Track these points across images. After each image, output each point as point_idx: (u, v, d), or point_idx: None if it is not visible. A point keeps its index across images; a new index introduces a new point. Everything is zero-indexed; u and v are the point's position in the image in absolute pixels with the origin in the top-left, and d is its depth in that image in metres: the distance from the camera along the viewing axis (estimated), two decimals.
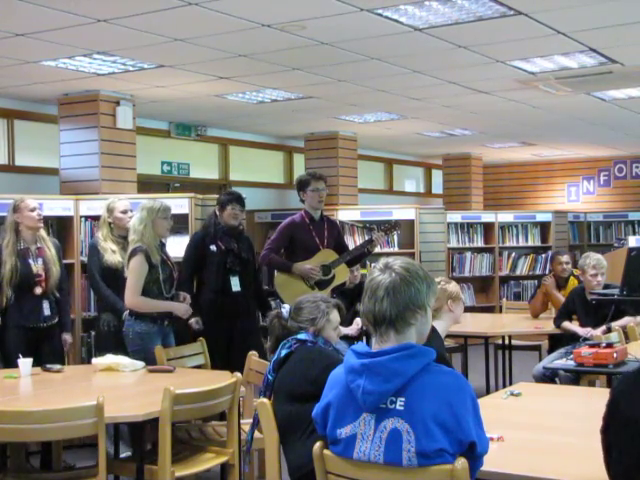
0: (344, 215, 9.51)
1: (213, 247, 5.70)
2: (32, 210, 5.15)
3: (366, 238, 7.08)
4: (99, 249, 5.52)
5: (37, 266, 5.14)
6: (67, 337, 5.45)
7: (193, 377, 4.45)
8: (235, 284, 5.71)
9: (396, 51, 5.87)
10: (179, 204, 6.20)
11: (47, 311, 5.20)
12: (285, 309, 3.46)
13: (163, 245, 5.28)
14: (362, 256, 6.45)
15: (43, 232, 5.29)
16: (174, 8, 4.67)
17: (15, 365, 4.53)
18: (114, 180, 7.03)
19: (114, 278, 5.39)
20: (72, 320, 5.81)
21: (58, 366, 4.63)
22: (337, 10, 4.77)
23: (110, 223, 5.60)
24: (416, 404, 2.23)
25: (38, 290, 5.14)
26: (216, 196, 6.19)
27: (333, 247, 6.32)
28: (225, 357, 5.51)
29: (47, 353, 5.14)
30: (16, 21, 4.92)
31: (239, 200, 5.80)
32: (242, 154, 10.21)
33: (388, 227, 6.63)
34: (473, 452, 2.25)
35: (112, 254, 5.46)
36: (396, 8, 4.79)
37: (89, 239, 6.29)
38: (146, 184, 8.35)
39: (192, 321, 5.59)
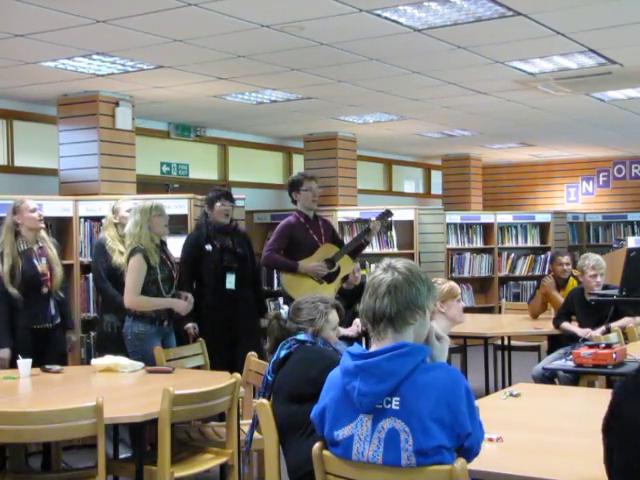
0: (343, 216, 9.50)
1: (208, 247, 5.67)
2: (32, 211, 5.14)
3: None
4: (107, 249, 5.51)
5: (42, 265, 5.14)
6: (72, 335, 5.45)
7: (192, 378, 4.45)
8: (230, 281, 5.66)
9: (395, 52, 5.88)
10: (178, 205, 6.19)
11: (53, 310, 5.21)
12: (284, 310, 3.47)
13: (164, 244, 5.28)
14: (361, 247, 6.46)
15: (44, 232, 5.28)
16: (173, 9, 4.67)
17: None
18: (113, 181, 7.02)
19: (120, 279, 5.33)
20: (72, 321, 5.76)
21: (57, 367, 4.62)
22: (336, 11, 4.77)
23: (116, 224, 5.61)
24: (411, 403, 2.24)
25: (44, 290, 5.14)
26: None
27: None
28: (229, 358, 5.47)
29: (51, 353, 5.12)
30: (15, 22, 4.92)
31: (227, 196, 5.76)
32: (241, 155, 10.21)
33: (382, 215, 6.61)
34: (470, 441, 2.28)
35: (120, 255, 5.42)
36: (395, 9, 4.79)
37: (88, 240, 6.28)
38: (145, 185, 8.34)
39: (189, 326, 5.56)
